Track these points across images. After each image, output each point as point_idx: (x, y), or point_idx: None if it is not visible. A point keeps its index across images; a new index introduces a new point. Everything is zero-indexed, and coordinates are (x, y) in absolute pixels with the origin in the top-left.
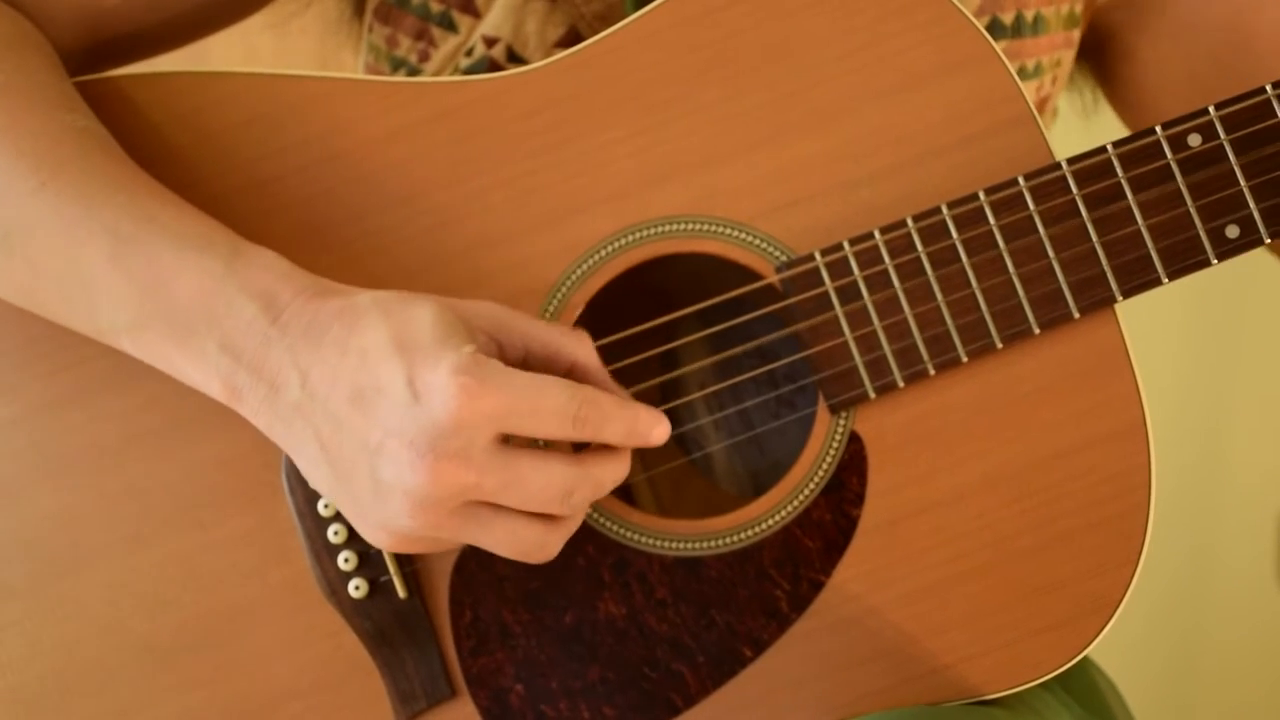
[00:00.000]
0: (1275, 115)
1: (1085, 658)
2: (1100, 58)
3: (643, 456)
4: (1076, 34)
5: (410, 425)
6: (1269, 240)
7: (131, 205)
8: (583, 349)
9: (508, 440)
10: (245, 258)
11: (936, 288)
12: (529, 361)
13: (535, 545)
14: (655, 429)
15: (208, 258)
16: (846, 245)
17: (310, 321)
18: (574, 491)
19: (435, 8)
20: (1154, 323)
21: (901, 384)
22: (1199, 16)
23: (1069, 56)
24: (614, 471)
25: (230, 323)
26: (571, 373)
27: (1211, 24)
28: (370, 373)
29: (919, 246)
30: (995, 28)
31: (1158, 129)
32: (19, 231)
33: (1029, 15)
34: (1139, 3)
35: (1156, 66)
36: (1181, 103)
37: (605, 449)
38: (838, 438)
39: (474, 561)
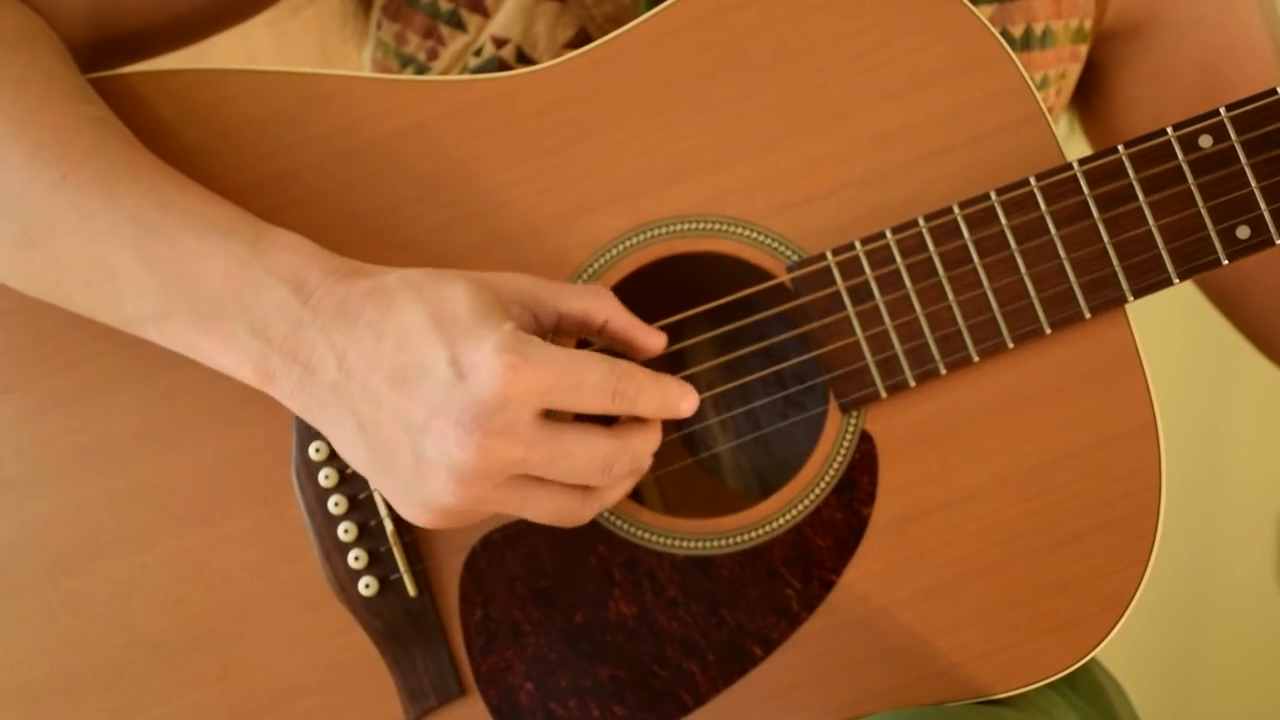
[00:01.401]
0: None
1: (1092, 657)
2: (1080, 87)
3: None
4: (1083, 49)
5: (455, 403)
6: (1279, 241)
7: (153, 193)
8: (610, 304)
9: (547, 415)
10: (270, 240)
11: (948, 287)
12: (563, 326)
13: (572, 514)
14: (685, 400)
15: (232, 242)
16: (858, 245)
17: (342, 302)
18: (615, 464)
19: (444, 6)
20: (1155, 323)
21: (913, 383)
22: (1176, 62)
23: (1075, 70)
24: (649, 443)
25: (260, 306)
26: (607, 325)
27: (1187, 71)
28: (411, 352)
29: (930, 246)
30: (1004, 40)
31: (1169, 130)
32: (41, 224)
33: (1038, 29)
34: (1123, 39)
35: (1130, 107)
36: None
37: (637, 421)
38: (849, 437)
39: (484, 560)
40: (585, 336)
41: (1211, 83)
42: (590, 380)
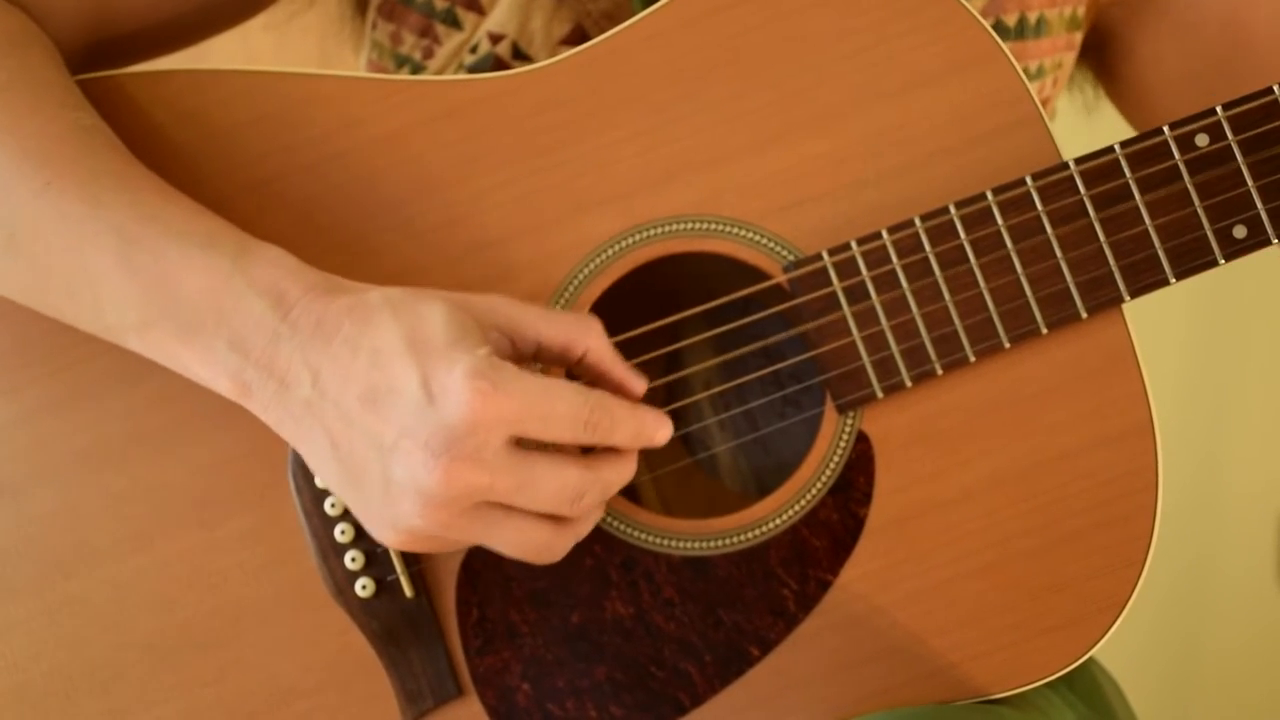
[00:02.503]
0: None
1: (1089, 657)
2: (1101, 56)
3: (648, 457)
4: (1078, 36)
5: (424, 426)
6: (1276, 241)
7: (137, 204)
8: (593, 336)
9: (519, 443)
10: (252, 255)
11: (944, 287)
12: (542, 353)
13: (543, 546)
14: (659, 431)
15: (214, 255)
16: (854, 245)
17: (320, 319)
18: (585, 494)
19: (440, 4)
20: (1155, 324)
21: (909, 384)
22: (1196, 15)
23: (1070, 59)
24: (621, 474)
25: (239, 320)
26: (585, 359)
27: (1209, 22)
28: (384, 373)
29: (927, 246)
30: (998, 29)
31: (1165, 129)
32: (25, 231)
33: (1032, 18)
34: (1138, 1)
35: (1155, 64)
36: (1182, 100)
37: (612, 451)
38: (845, 437)
39: (480, 561)
40: (564, 366)
41: (1235, 33)
42: (561, 410)
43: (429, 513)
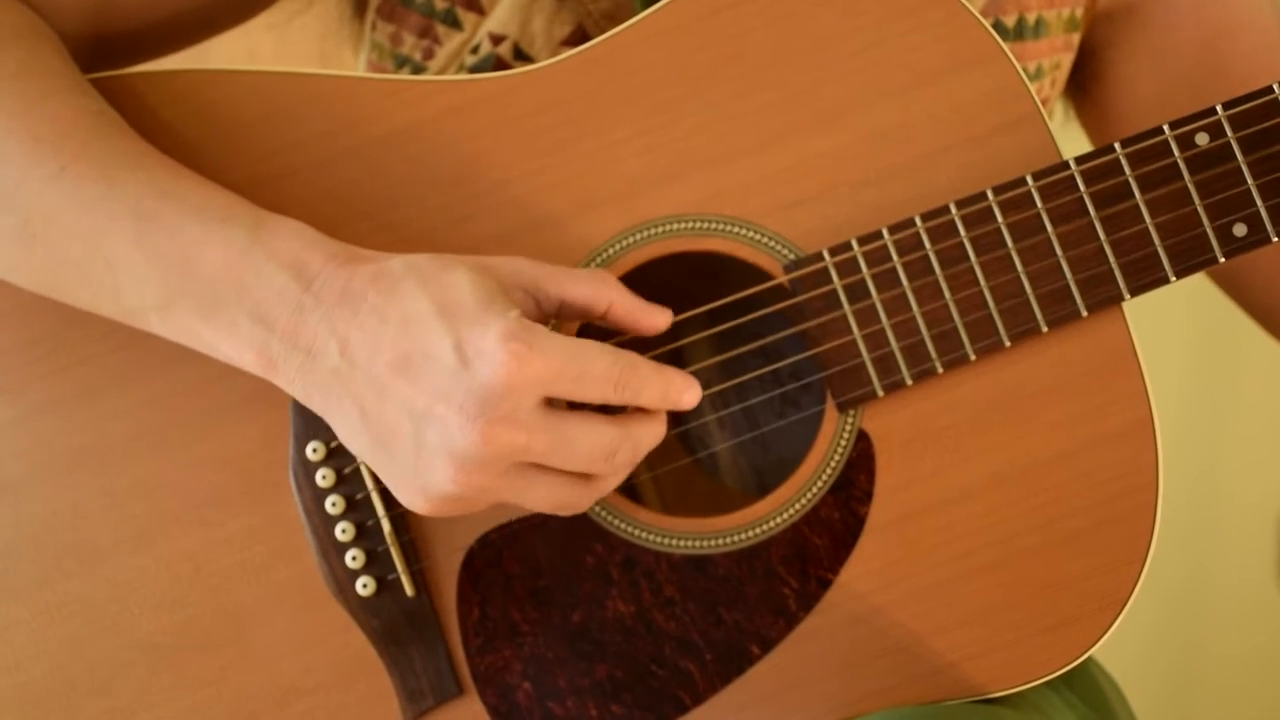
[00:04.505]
0: None
1: (1089, 656)
2: (1076, 74)
3: (648, 456)
4: (1076, 38)
5: (459, 390)
6: (1276, 239)
7: (151, 183)
8: (613, 289)
9: (551, 403)
10: (270, 227)
11: (945, 286)
12: (566, 311)
13: (573, 504)
14: (687, 393)
15: (231, 229)
16: (855, 244)
17: (344, 288)
18: (617, 452)
19: (440, 5)
20: (1156, 323)
21: (910, 382)
22: (1176, 39)
23: (1068, 60)
24: (652, 432)
25: (261, 293)
26: (610, 311)
27: (1187, 47)
28: (415, 339)
29: (927, 245)
30: (998, 30)
31: (1165, 127)
32: (40, 217)
33: (1030, 18)
34: (1119, 21)
35: (1129, 86)
36: (1150, 125)
37: (640, 410)
38: (846, 436)
39: (481, 559)
40: (588, 321)
41: (1212, 59)
42: (594, 371)
43: (463, 476)
